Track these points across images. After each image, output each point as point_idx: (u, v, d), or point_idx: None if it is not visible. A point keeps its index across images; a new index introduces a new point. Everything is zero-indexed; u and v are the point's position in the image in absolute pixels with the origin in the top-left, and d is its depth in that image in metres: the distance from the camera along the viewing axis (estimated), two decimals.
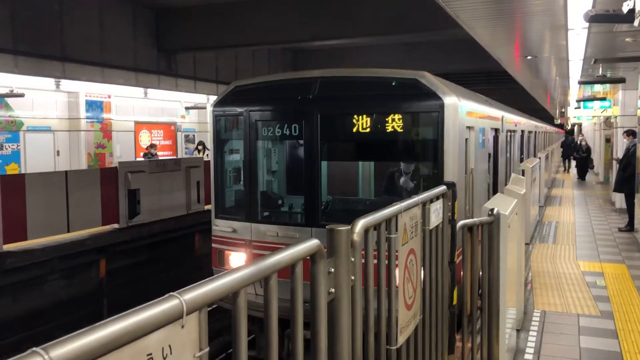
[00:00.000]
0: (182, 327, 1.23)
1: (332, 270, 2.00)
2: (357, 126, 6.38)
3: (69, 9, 13.48)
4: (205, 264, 8.20)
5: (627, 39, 7.45)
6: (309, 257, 1.85)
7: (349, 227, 2.11)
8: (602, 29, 6.85)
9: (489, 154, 9.08)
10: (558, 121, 44.22)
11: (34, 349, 0.94)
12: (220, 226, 7.19)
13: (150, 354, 1.15)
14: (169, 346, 1.20)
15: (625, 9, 4.07)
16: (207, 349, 1.31)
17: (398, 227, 2.64)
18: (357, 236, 2.15)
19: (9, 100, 14.62)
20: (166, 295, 1.22)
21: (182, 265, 12.00)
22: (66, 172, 10.41)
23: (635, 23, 3.91)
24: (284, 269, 1.70)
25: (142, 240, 11.27)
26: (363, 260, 2.32)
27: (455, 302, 3.73)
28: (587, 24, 6.11)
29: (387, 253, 2.57)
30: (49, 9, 13.02)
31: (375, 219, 2.39)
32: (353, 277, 2.12)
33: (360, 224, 2.22)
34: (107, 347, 1.02)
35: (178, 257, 12.15)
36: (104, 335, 1.02)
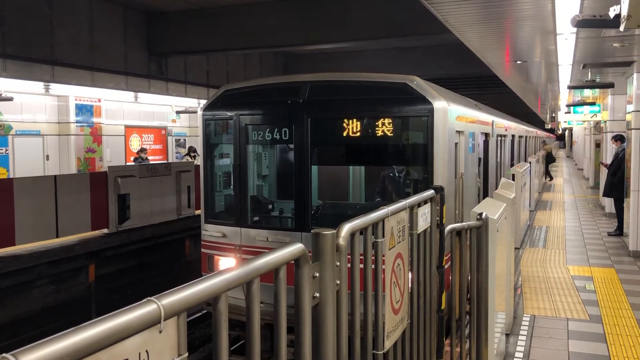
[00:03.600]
0: (160, 332, 1.22)
1: (317, 274, 1.98)
2: (347, 130, 6.38)
3: (58, 12, 13.42)
4: (196, 269, 8.16)
5: (614, 44, 7.50)
6: (293, 262, 1.84)
7: (334, 231, 2.10)
8: (590, 34, 6.90)
9: (479, 159, 9.10)
10: (549, 126, 44.54)
11: (4, 355, 0.92)
12: (210, 231, 7.15)
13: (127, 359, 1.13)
14: (146, 351, 1.19)
15: (611, 14, 4.10)
16: (185, 354, 1.30)
17: (385, 231, 2.63)
18: (342, 240, 2.14)
19: None
20: (144, 300, 1.21)
21: (172, 270, 11.93)
22: (55, 176, 10.35)
23: (621, 28, 3.93)
24: (268, 273, 1.69)
25: (131, 245, 11.20)
26: (349, 265, 2.31)
27: (443, 306, 3.72)
28: (575, 29, 6.15)
29: (373, 257, 2.56)
30: (39, 12, 12.96)
31: (362, 223, 2.39)
32: (338, 282, 2.11)
33: (346, 228, 2.21)
34: (81, 352, 1.00)
35: (168, 262, 12.08)
36: (77, 341, 1.00)
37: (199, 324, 10.38)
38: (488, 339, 4.07)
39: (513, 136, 14.61)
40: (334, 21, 14.14)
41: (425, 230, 3.29)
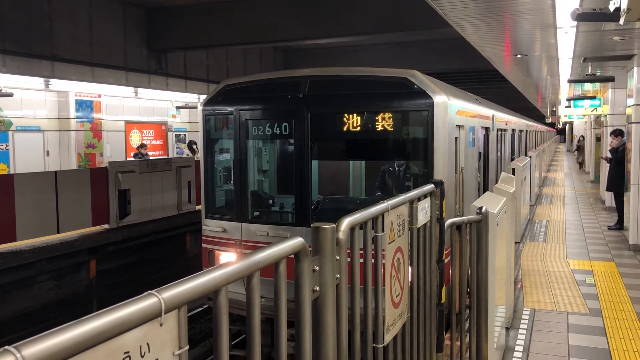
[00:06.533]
0: (161, 325, 1.22)
1: (317, 268, 1.99)
2: (347, 125, 6.39)
3: (58, 8, 13.40)
4: (197, 265, 8.18)
5: (615, 38, 7.48)
6: (293, 256, 1.85)
7: (334, 225, 2.10)
8: (590, 28, 6.88)
9: (480, 153, 9.10)
10: (549, 120, 44.47)
11: (6, 347, 0.93)
12: (211, 226, 7.16)
13: (128, 352, 1.14)
14: (147, 344, 1.19)
15: (611, 7, 4.09)
16: (186, 347, 1.30)
17: (385, 226, 2.64)
18: (342, 234, 2.15)
19: None
20: (144, 293, 1.21)
21: (173, 265, 11.95)
22: (56, 172, 10.35)
23: (621, 21, 3.93)
24: (268, 267, 1.69)
25: (132, 241, 11.22)
26: (349, 259, 2.31)
27: (443, 300, 3.73)
28: (575, 23, 6.14)
29: (373, 251, 2.57)
30: (38, 8, 12.94)
31: (361, 217, 2.39)
32: (338, 276, 2.11)
33: (346, 222, 2.22)
34: (82, 345, 1.01)
35: (169, 257, 12.10)
36: (78, 334, 1.01)
37: (200, 319, 10.41)
38: (488, 333, 4.08)
39: (513, 130, 14.61)
40: (333, 16, 14.11)
41: (425, 225, 3.29)
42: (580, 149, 32.98)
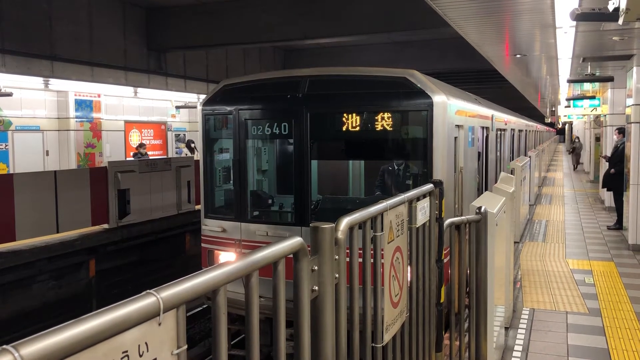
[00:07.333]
0: (159, 324, 1.23)
1: (316, 268, 1.99)
2: (346, 125, 6.39)
3: (58, 8, 13.39)
4: (196, 264, 8.18)
5: (614, 38, 7.49)
6: (291, 255, 1.85)
7: (333, 225, 2.11)
8: (589, 28, 6.88)
9: (479, 153, 9.10)
10: (549, 120, 44.51)
11: (4, 346, 0.93)
12: (210, 226, 7.16)
13: (126, 352, 1.14)
14: (146, 344, 1.20)
15: (610, 7, 4.10)
16: (184, 347, 1.30)
17: (384, 225, 2.64)
18: (341, 234, 2.15)
19: None
20: (143, 293, 1.21)
21: (173, 265, 11.95)
22: (55, 172, 10.34)
23: (620, 21, 3.93)
24: (267, 267, 1.70)
25: (132, 241, 11.22)
26: (349, 259, 2.32)
27: (442, 300, 3.73)
28: (574, 23, 6.14)
29: (372, 251, 2.57)
30: (38, 7, 12.93)
31: (360, 217, 2.39)
32: (337, 275, 2.12)
33: (345, 222, 2.22)
34: (80, 344, 1.01)
35: (168, 257, 12.10)
36: (76, 333, 1.01)
37: (199, 319, 10.41)
38: (487, 333, 4.09)
39: (513, 130, 14.61)
40: (332, 15, 14.11)
41: (424, 224, 3.30)
42: (575, 150, 30.90)
